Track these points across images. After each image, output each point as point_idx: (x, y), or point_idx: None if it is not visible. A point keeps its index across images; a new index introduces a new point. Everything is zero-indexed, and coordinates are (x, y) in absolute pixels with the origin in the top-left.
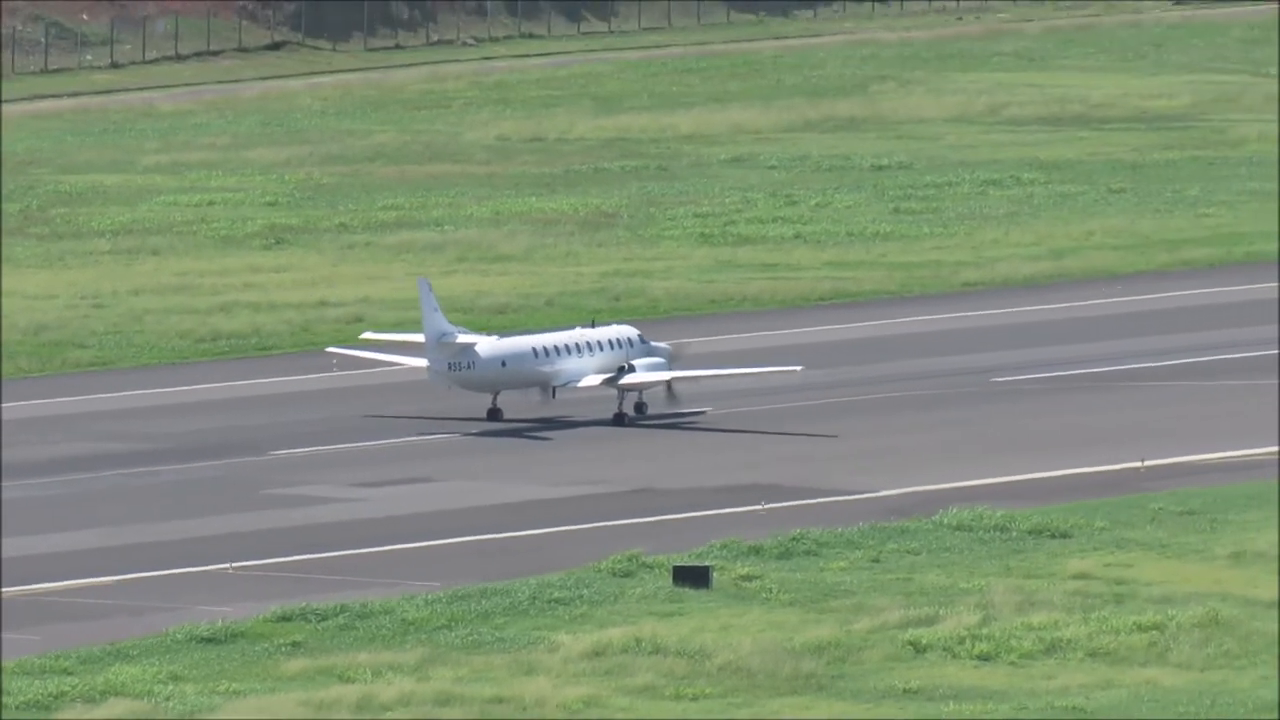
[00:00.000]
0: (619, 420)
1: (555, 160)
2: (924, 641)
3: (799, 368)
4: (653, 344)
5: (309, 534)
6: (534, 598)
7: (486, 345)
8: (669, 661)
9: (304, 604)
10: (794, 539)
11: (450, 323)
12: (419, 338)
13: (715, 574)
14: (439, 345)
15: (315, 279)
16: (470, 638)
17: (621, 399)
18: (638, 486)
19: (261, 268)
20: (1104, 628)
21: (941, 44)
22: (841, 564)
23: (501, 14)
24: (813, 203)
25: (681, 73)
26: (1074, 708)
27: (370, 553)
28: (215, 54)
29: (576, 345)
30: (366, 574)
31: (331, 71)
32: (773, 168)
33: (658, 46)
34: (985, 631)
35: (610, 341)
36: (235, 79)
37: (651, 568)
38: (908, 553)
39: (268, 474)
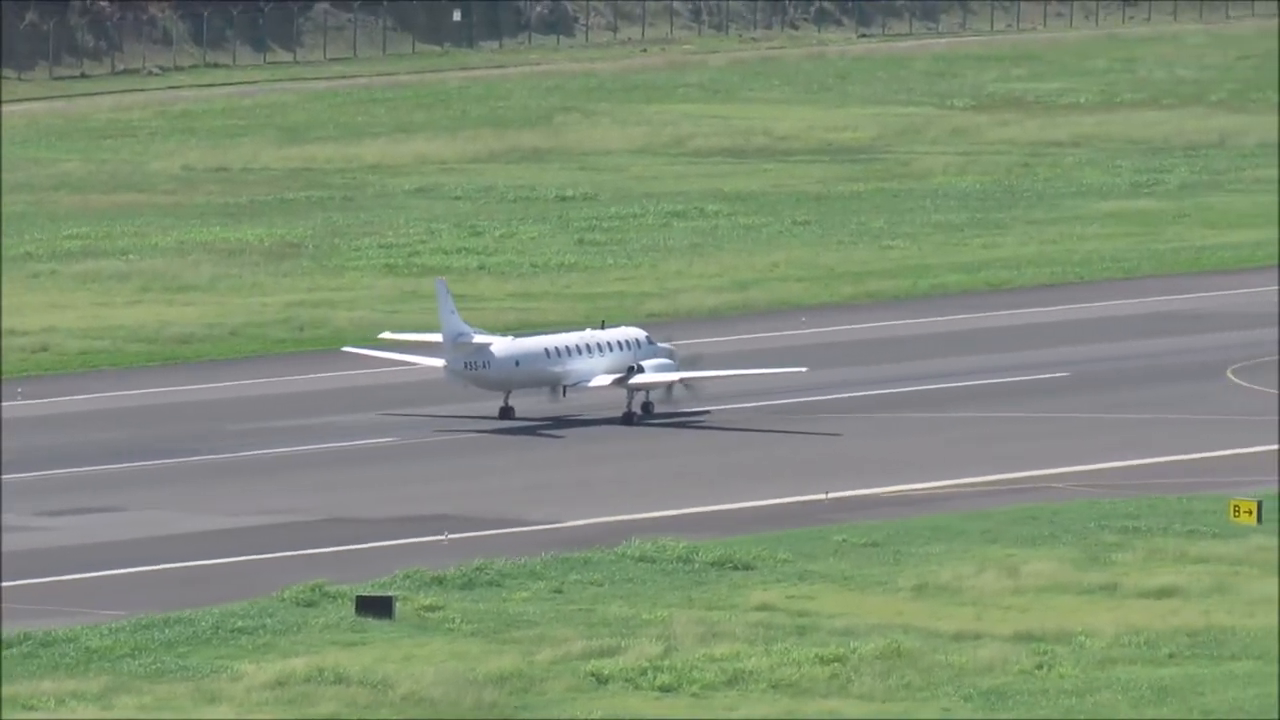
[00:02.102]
0: (628, 419)
1: (240, 190)
2: (606, 672)
3: (804, 369)
4: (659, 345)
5: None
6: (217, 627)
7: (501, 345)
8: (352, 691)
9: None
10: (477, 569)
11: (467, 324)
12: (436, 337)
13: (398, 604)
14: (455, 345)
15: None
16: (154, 666)
17: (630, 398)
18: (324, 516)
19: None
20: (786, 659)
21: (626, 76)
22: (524, 594)
23: (187, 43)
24: (498, 233)
25: (367, 103)
26: None
27: (55, 581)
28: None
29: (587, 346)
30: (51, 602)
31: (16, 100)
32: (458, 198)
33: (343, 77)
34: (667, 663)
35: (619, 343)
36: None
37: (335, 598)
38: (591, 583)
39: None
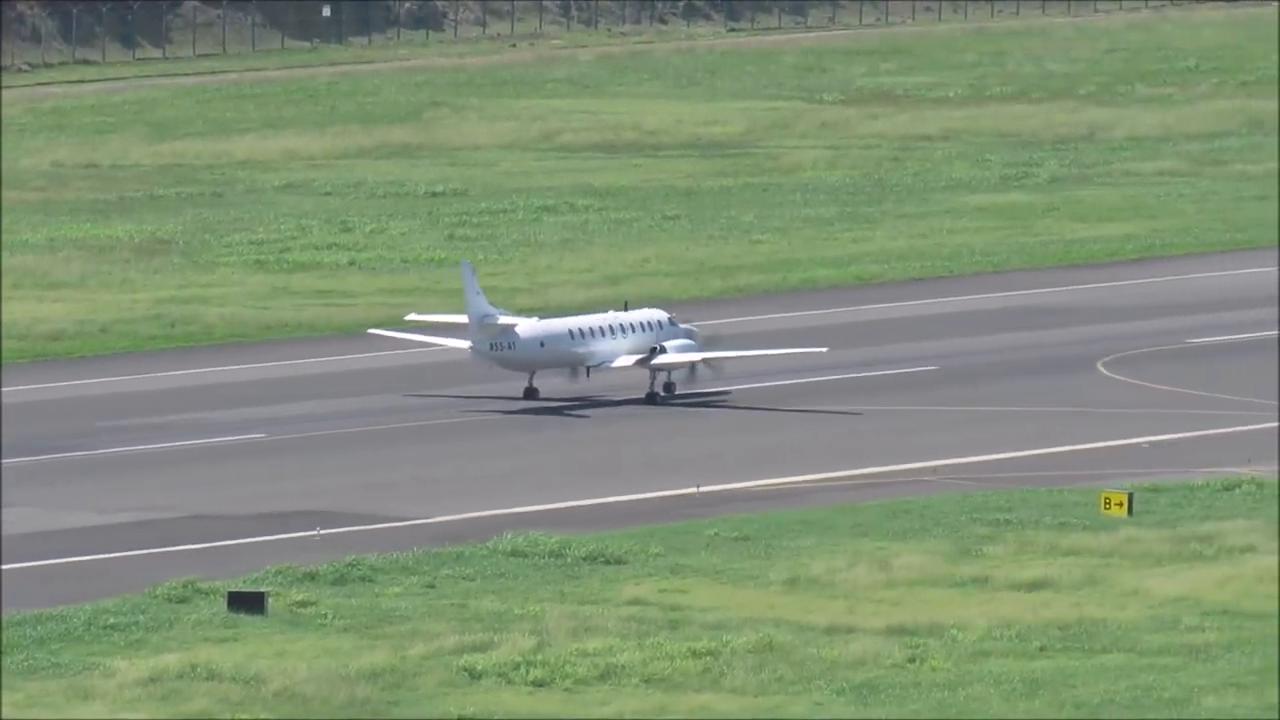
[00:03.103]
0: (651, 399)
1: (110, 187)
2: (479, 667)
3: (825, 349)
4: (680, 326)
5: None
6: (89, 624)
7: (526, 327)
8: (224, 687)
9: None
10: (349, 565)
11: (493, 305)
12: (462, 319)
13: (270, 600)
14: (481, 326)
15: None
16: (26, 663)
17: (653, 379)
18: (195, 513)
19: None
20: (658, 654)
21: (495, 71)
22: (396, 590)
23: (55, 40)
24: (368, 229)
25: (236, 99)
26: None
27: None
28: None
29: (610, 327)
30: None
31: None
32: (328, 194)
33: (212, 73)
34: (540, 657)
35: (641, 324)
36: None
37: (207, 594)
38: (463, 578)
39: None
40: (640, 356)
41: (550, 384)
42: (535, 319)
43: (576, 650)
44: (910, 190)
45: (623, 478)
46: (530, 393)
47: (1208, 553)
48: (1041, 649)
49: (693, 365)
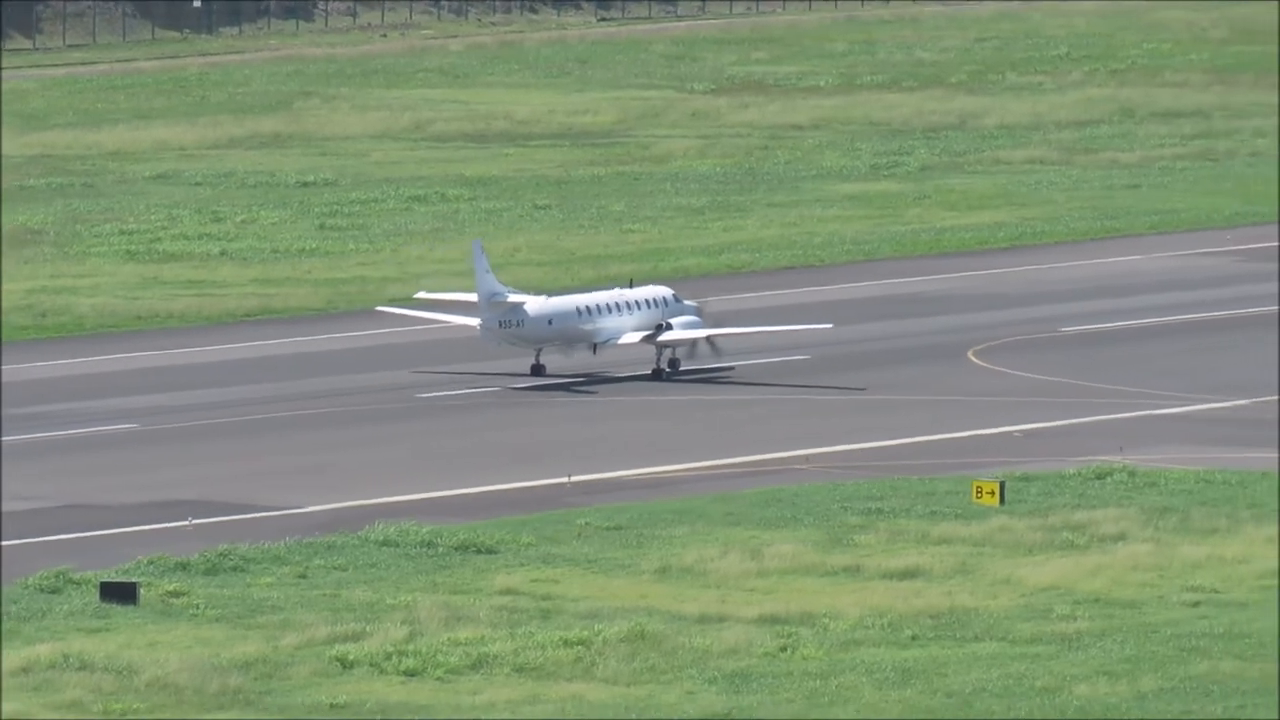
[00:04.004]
0: (657, 375)
1: None
2: (351, 657)
3: (829, 325)
4: (685, 303)
5: None
6: None
7: (535, 304)
8: (97, 678)
9: None
10: (221, 555)
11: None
12: (472, 296)
13: (142, 590)
14: (490, 304)
15: None
16: None
17: (659, 355)
18: (67, 503)
19: None
20: (530, 643)
21: (366, 60)
22: (269, 580)
23: None
24: (239, 219)
25: (107, 90)
26: None
27: None
28: None
29: (617, 304)
30: None
31: None
32: (198, 184)
33: (82, 64)
34: (412, 647)
35: (647, 300)
36: None
37: (79, 584)
38: (335, 568)
39: None
40: (646, 333)
41: (557, 360)
42: (544, 297)
43: (448, 640)
44: (781, 179)
45: (495, 467)
46: (537, 369)
47: (1079, 541)
48: (913, 638)
49: (694, 342)
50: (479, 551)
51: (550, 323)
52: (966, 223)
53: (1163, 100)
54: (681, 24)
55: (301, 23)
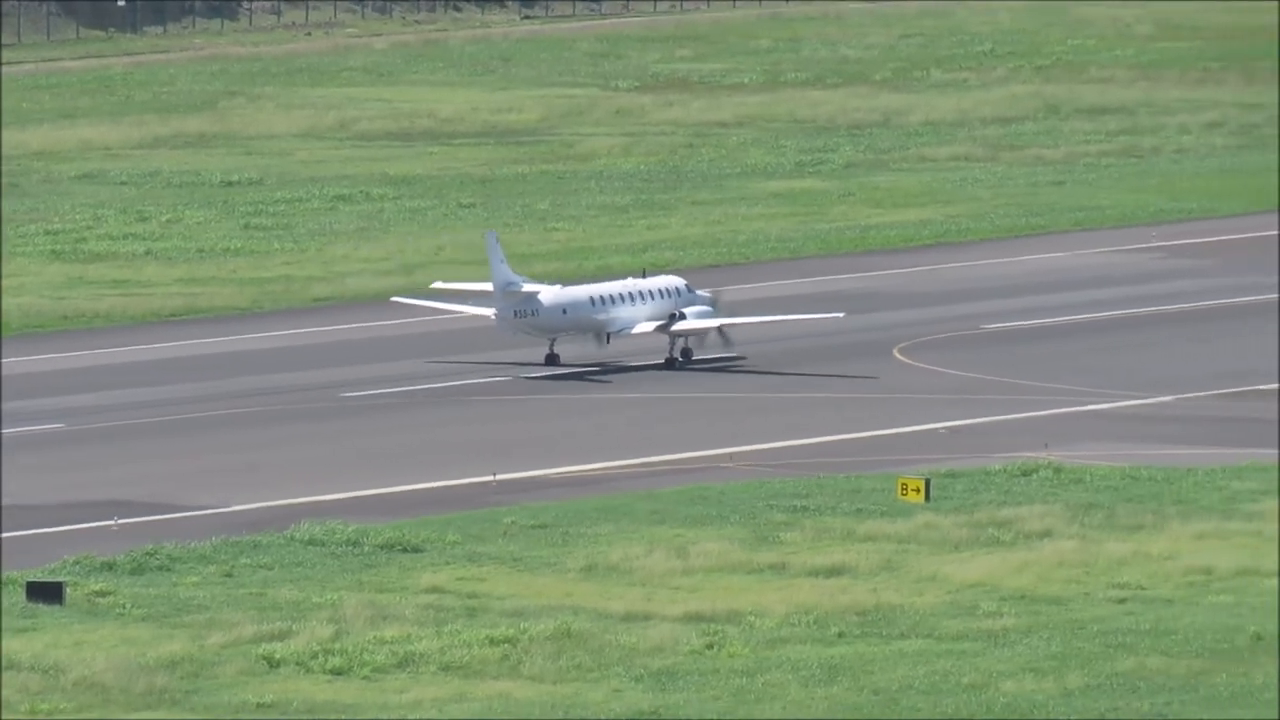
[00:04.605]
0: (670, 364)
1: None
2: (277, 656)
3: (841, 314)
4: (698, 293)
5: None
6: None
7: (549, 294)
8: (23, 677)
9: None
10: (147, 554)
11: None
12: (487, 287)
13: (69, 590)
14: (505, 294)
15: None
16: None
17: (672, 345)
18: None
19: None
20: (456, 641)
21: (290, 59)
22: (194, 579)
23: None
24: (164, 219)
25: (31, 89)
26: None
27: None
28: None
29: (630, 294)
30: None
31: None
32: (123, 184)
33: (7, 63)
34: (338, 646)
35: (660, 290)
36: None
37: (5, 584)
38: (261, 567)
39: None
40: (660, 322)
41: (571, 350)
42: (558, 286)
43: (374, 638)
44: (705, 177)
45: (420, 466)
46: (551, 359)
47: (1005, 538)
48: (839, 635)
49: (709, 331)
50: (405, 550)
51: (565, 312)
52: (891, 220)
53: (1088, 97)
54: (606, 22)
55: (226, 22)
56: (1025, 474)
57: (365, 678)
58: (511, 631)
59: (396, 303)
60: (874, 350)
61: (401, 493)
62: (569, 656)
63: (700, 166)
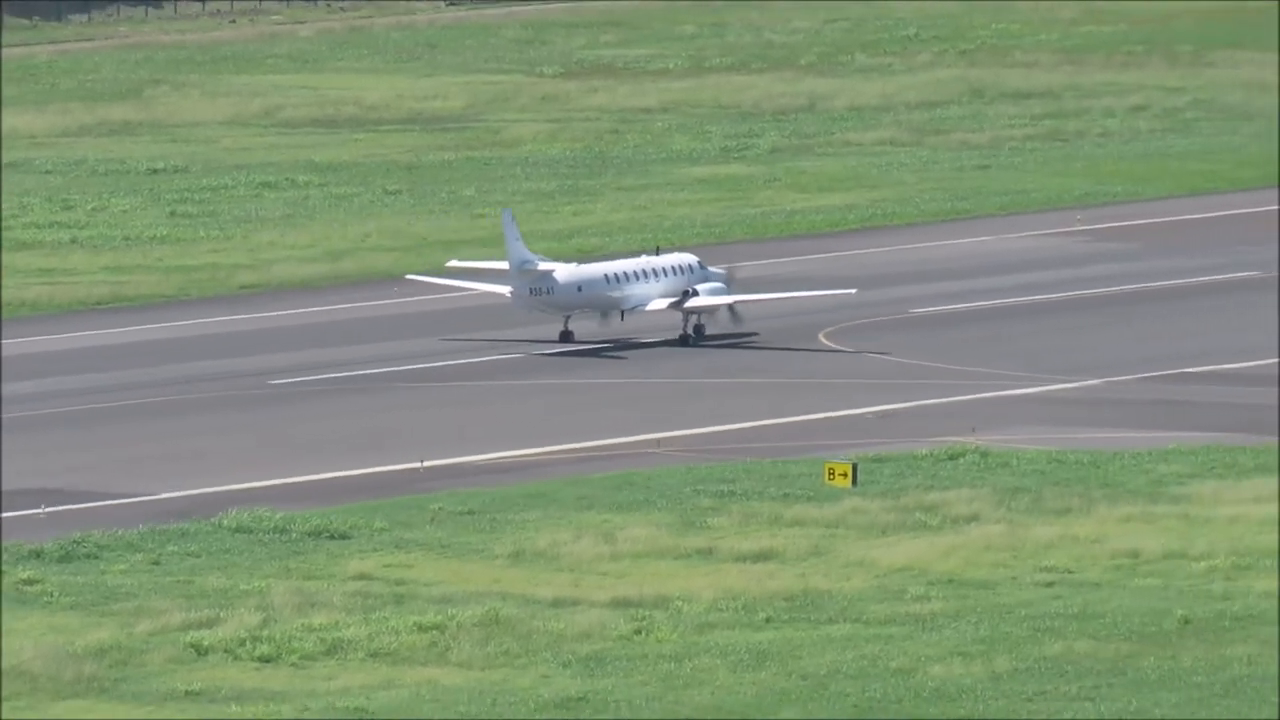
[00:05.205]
0: (683, 341)
1: None
2: (205, 643)
3: (854, 290)
4: (710, 270)
5: None
6: None
7: (564, 272)
8: None
9: None
10: (75, 542)
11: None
12: (503, 265)
13: None
14: (521, 272)
15: None
16: None
17: (686, 321)
18: None
19: None
20: (384, 628)
21: (215, 47)
22: (122, 567)
23: None
24: (89, 207)
25: None
26: (356, 708)
27: None
28: None
29: (644, 271)
30: None
31: None
32: (49, 172)
33: None
34: (266, 633)
35: (674, 268)
36: None
37: None
38: (188, 555)
39: None
40: (673, 300)
41: (585, 327)
42: (574, 264)
43: (302, 625)
44: (631, 163)
45: (348, 452)
46: (566, 336)
47: (932, 522)
48: (767, 620)
49: (719, 308)
50: (332, 537)
51: (580, 290)
52: (817, 205)
53: (1012, 81)
54: (530, 7)
55: (150, 9)
56: (952, 458)
57: (293, 665)
58: (439, 618)
59: (411, 280)
60: (800, 335)
61: (329, 480)
62: (497, 643)
63: (626, 152)
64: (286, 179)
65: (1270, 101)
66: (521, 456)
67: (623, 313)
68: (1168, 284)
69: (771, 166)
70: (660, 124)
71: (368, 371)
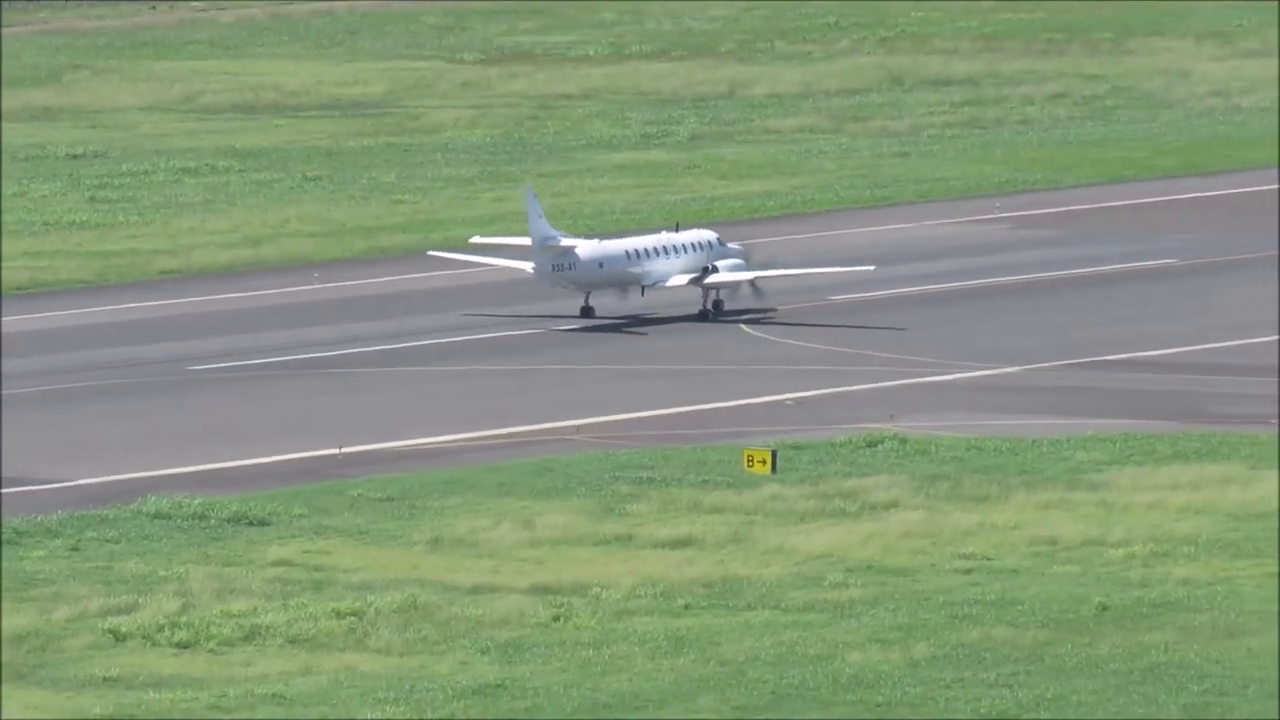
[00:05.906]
0: (703, 316)
1: None
2: (124, 630)
3: (872, 267)
4: (729, 245)
5: None
6: None
7: (586, 248)
8: None
9: None
10: None
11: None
12: (525, 241)
13: None
14: (543, 248)
15: None
16: None
17: (705, 297)
18: None
19: None
20: (303, 614)
21: (135, 32)
22: (41, 553)
23: None
24: (9, 192)
25: None
26: (274, 695)
27: None
28: None
29: (664, 248)
30: None
31: None
32: None
33: None
34: (185, 619)
35: (693, 244)
36: None
37: None
38: (107, 541)
39: None
40: (693, 276)
41: (605, 303)
42: (595, 240)
43: (221, 612)
44: (551, 149)
45: (267, 439)
46: (586, 311)
47: (851, 509)
48: (686, 607)
49: (739, 284)
50: (251, 523)
51: (601, 266)
52: (737, 191)
53: (932, 68)
54: None
55: None
56: (871, 445)
57: (211, 651)
58: (358, 604)
59: (434, 256)
60: (719, 324)
61: (248, 466)
62: (415, 629)
63: (546, 139)
64: (207, 164)
65: (1188, 89)
66: (441, 443)
67: (643, 288)
68: (1086, 271)
69: (691, 153)
70: (580, 110)
71: (287, 357)
